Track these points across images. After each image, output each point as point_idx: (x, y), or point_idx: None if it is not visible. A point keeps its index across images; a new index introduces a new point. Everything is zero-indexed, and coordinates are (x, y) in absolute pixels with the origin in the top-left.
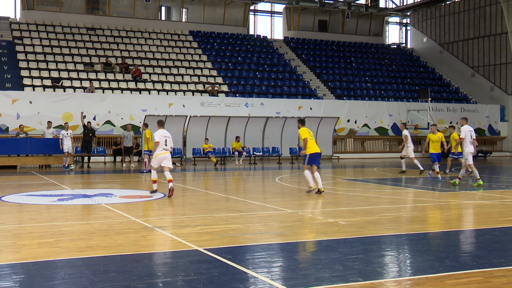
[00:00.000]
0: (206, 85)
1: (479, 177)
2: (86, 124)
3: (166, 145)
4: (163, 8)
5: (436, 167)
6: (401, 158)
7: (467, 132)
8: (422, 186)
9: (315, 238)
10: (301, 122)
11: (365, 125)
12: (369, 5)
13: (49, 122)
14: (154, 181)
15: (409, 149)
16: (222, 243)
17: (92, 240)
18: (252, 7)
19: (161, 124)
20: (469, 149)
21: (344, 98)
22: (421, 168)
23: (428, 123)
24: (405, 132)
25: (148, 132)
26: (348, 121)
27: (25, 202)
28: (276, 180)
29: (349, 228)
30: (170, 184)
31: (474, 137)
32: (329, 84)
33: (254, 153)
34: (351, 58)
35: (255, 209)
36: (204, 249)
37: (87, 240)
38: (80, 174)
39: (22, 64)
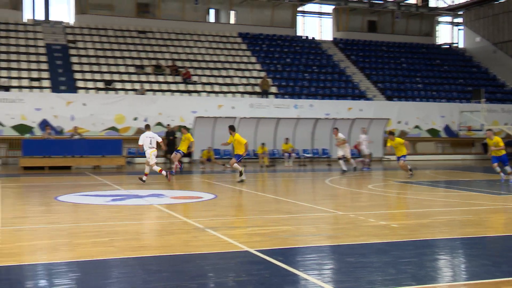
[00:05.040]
0: (258, 80)
1: None
2: (166, 126)
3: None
4: (211, 11)
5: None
6: None
7: None
8: (477, 189)
9: (367, 240)
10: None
11: (417, 126)
12: (419, 5)
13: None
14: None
15: None
16: (273, 245)
17: (145, 240)
18: (300, 8)
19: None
20: None
21: (395, 99)
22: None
23: (482, 125)
24: None
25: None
26: (399, 122)
27: (80, 202)
28: (326, 182)
29: (402, 231)
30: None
31: None
32: (379, 85)
33: (304, 154)
34: (401, 58)
35: (305, 211)
36: (255, 250)
37: (140, 240)
38: (131, 175)
39: (76, 67)
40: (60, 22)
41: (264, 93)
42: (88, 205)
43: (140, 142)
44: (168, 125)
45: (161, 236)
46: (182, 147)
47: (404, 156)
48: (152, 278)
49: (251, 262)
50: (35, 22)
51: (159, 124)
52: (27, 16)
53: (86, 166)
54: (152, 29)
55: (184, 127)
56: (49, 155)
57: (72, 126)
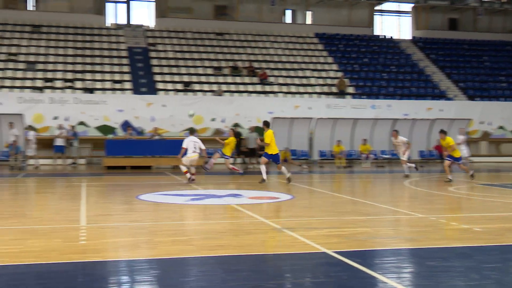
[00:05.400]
0: (335, 80)
1: None
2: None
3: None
4: (288, 12)
5: None
6: None
7: None
8: None
9: (448, 244)
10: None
11: (501, 127)
12: (504, 0)
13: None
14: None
15: None
16: (351, 246)
17: (223, 239)
18: (377, 7)
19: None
20: None
21: (477, 99)
22: None
23: None
24: None
25: (231, 140)
26: (482, 123)
27: (160, 201)
28: (405, 183)
29: (485, 235)
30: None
31: None
32: (460, 84)
33: (382, 155)
34: (483, 57)
35: (384, 212)
36: (333, 251)
37: (218, 239)
38: (209, 175)
39: (156, 69)
40: (141, 26)
41: (341, 94)
42: (168, 204)
43: (184, 145)
44: (235, 126)
45: (238, 235)
46: (226, 151)
47: (453, 157)
48: (230, 277)
49: (329, 263)
50: (117, 26)
51: (236, 125)
52: (110, 20)
53: (166, 166)
54: (230, 31)
55: (232, 130)
56: (130, 155)
57: (152, 127)
